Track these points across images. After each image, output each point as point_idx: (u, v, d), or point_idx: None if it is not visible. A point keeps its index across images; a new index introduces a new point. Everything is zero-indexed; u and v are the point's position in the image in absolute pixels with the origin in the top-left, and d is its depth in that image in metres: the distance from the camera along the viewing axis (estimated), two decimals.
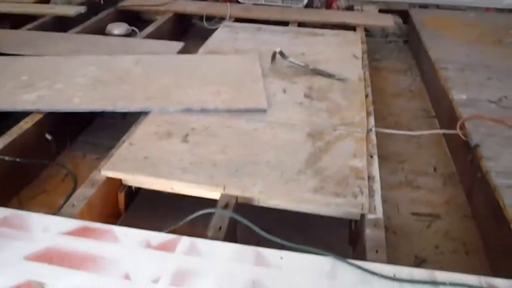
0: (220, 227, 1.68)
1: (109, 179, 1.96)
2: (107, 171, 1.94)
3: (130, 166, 1.97)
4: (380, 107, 3.18)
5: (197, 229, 1.79)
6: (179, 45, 3.35)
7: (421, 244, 2.05)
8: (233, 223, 1.76)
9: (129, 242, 1.56)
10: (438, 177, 2.50)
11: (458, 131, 2.38)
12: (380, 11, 4.56)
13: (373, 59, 3.99)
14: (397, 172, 2.52)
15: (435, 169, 2.56)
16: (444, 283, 1.44)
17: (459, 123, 2.41)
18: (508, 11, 4.42)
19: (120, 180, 2.02)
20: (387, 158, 2.62)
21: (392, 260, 1.91)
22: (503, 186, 1.93)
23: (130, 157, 2.02)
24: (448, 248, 2.03)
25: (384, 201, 2.25)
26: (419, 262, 1.94)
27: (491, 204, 1.96)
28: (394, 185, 2.42)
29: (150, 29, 3.86)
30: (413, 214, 2.23)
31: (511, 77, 3.00)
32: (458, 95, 2.71)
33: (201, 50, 3.27)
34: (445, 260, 1.96)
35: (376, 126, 2.53)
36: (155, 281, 1.41)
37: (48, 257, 1.49)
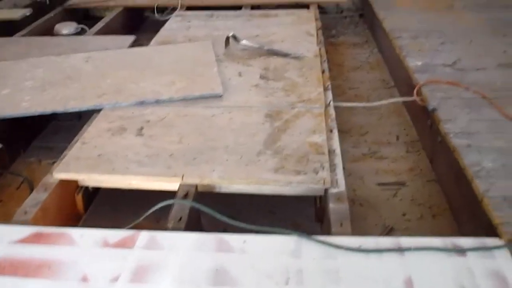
0: (181, 218, 1.63)
1: (64, 181, 1.88)
2: (60, 173, 1.87)
3: (84, 165, 1.89)
4: (340, 82, 3.17)
5: (162, 223, 1.74)
6: (130, 38, 3.26)
7: (388, 213, 2.04)
8: (195, 212, 1.72)
9: (86, 243, 1.50)
10: (401, 145, 2.50)
11: (416, 98, 2.38)
12: None
13: (329, 35, 3.98)
14: (360, 145, 2.51)
15: (397, 138, 2.56)
16: (408, 248, 1.43)
17: (415, 89, 2.41)
18: None
19: (76, 182, 1.94)
20: (349, 131, 2.61)
21: (361, 231, 1.92)
22: (462, 146, 1.94)
23: (83, 156, 1.95)
24: (416, 214, 2.03)
25: (349, 174, 2.26)
26: (387, 231, 1.93)
27: (452, 165, 1.96)
28: (358, 157, 2.41)
29: (99, 25, 3.76)
30: (379, 184, 2.22)
31: (464, 40, 3.03)
32: (413, 62, 2.71)
33: (153, 41, 3.19)
34: (413, 226, 1.96)
35: (336, 100, 2.51)
36: (115, 279, 1.35)
37: (1, 267, 1.42)
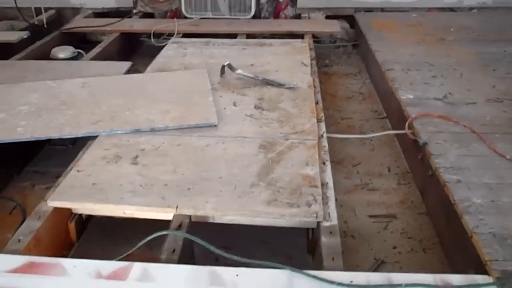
0: (174, 250, 1.64)
1: (57, 209, 1.89)
2: (54, 201, 1.87)
3: (78, 194, 1.90)
4: (333, 112, 3.21)
5: (155, 251, 1.74)
6: (126, 65, 3.29)
7: (379, 246, 2.06)
8: (188, 243, 1.72)
9: (78, 275, 1.50)
10: (392, 177, 2.53)
11: (407, 131, 2.42)
12: (327, 17, 4.62)
13: (323, 65, 4.05)
14: (352, 176, 2.54)
15: (389, 170, 2.59)
16: (399, 285, 1.45)
17: (407, 122, 2.45)
18: (449, 10, 4.56)
19: (69, 209, 1.95)
20: (341, 162, 2.64)
21: (352, 264, 1.94)
22: (452, 181, 1.97)
23: (77, 185, 1.95)
24: (406, 247, 2.05)
25: (340, 206, 2.28)
26: (378, 265, 1.95)
27: (442, 200, 1.99)
28: (349, 189, 2.44)
29: (96, 50, 3.79)
30: (370, 216, 2.25)
31: (454, 73, 3.09)
32: (405, 95, 2.76)
33: (149, 68, 3.23)
34: (403, 260, 1.98)
35: (329, 131, 2.55)
36: None
37: None
